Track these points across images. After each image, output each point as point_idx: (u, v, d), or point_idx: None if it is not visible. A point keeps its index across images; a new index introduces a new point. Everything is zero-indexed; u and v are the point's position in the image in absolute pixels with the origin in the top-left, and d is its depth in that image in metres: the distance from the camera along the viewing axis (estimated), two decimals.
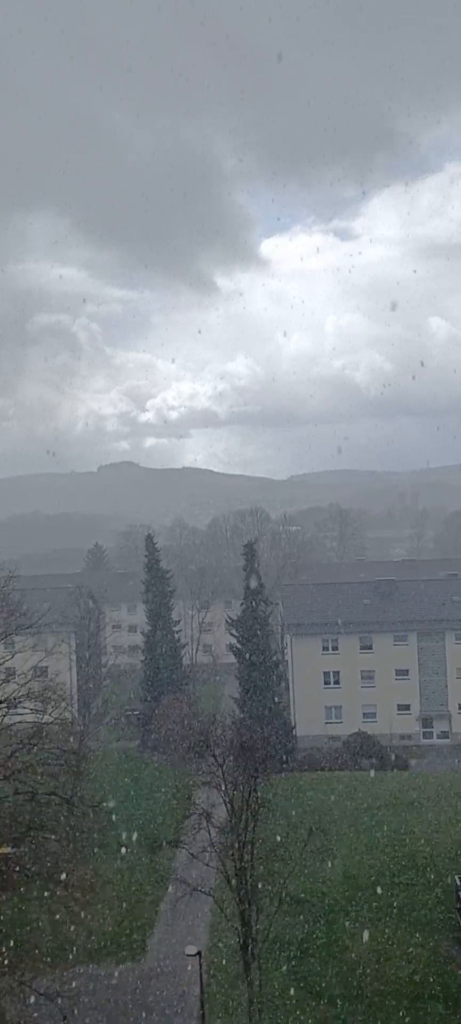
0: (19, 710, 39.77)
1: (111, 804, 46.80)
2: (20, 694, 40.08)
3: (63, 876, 31.03)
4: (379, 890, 40.10)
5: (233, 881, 29.62)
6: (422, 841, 45.65)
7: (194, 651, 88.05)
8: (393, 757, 63.46)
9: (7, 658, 44.10)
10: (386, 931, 36.51)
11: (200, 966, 29.08)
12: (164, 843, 38.35)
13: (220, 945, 35.38)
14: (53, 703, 40.68)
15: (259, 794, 30.71)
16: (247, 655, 67.89)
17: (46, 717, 39.99)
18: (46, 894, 31.87)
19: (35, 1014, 28.46)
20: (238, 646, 69.69)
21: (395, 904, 38.87)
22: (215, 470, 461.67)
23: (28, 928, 36.33)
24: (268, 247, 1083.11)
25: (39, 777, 35.22)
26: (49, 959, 33.47)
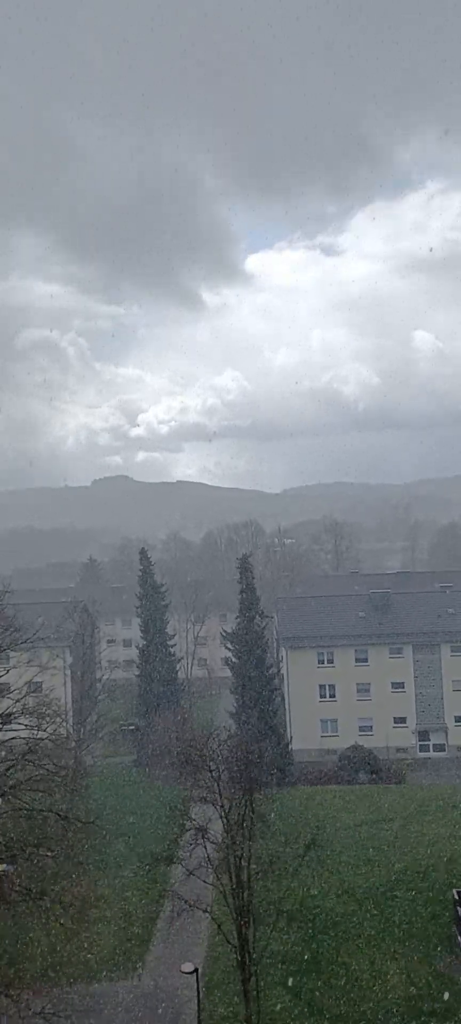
0: (14, 726, 39.60)
1: (107, 820, 46.61)
2: (15, 710, 39.96)
3: (59, 893, 30.84)
4: (377, 905, 40.01)
5: (230, 897, 29.42)
6: (419, 855, 45.53)
7: (189, 665, 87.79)
8: (389, 770, 63.40)
9: (1, 674, 43.88)
10: (384, 946, 36.34)
11: (197, 983, 28.83)
12: (160, 859, 38.18)
13: (218, 962, 35.16)
14: (48, 719, 40.57)
15: (255, 809, 30.55)
16: (242, 669, 67.78)
17: (41, 733, 39.86)
18: (42, 911, 31.61)
19: None
20: (233, 659, 69.58)
21: (393, 919, 38.71)
22: (208, 483, 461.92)
23: (24, 946, 36.06)
24: (253, 262, 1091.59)
25: (34, 793, 35.06)
26: (45, 977, 33.19)
